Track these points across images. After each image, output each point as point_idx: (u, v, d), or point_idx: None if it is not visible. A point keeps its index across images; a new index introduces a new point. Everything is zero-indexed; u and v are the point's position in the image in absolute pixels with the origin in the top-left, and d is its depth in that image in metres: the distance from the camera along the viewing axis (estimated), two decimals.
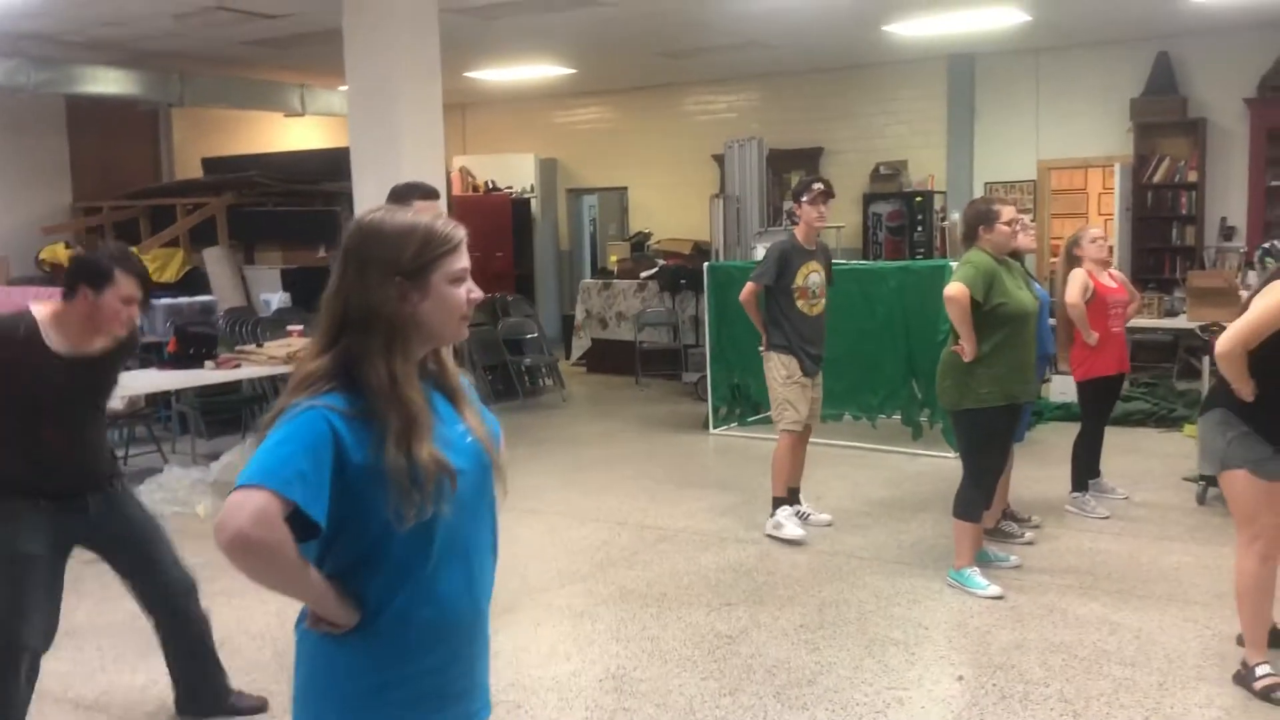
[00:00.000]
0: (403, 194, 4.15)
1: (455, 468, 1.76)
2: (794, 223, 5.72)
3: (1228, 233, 10.45)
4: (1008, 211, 4.87)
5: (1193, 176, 10.48)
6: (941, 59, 11.58)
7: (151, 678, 3.99)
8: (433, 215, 3.96)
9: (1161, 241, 10.72)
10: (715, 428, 8.42)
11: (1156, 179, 10.64)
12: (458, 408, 1.88)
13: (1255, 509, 3.60)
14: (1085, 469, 6.04)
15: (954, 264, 5.88)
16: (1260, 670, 3.67)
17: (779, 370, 5.60)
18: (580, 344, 11.84)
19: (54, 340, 3.25)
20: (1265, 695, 3.62)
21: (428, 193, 4.20)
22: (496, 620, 4.50)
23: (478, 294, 1.87)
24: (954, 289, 4.69)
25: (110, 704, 3.91)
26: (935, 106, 11.91)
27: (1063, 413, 8.28)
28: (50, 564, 3.35)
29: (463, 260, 1.85)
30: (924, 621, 4.47)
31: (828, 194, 5.60)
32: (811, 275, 5.61)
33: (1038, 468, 7.03)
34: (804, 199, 5.54)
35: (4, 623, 3.27)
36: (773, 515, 5.66)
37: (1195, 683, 3.82)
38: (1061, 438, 7.47)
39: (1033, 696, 3.75)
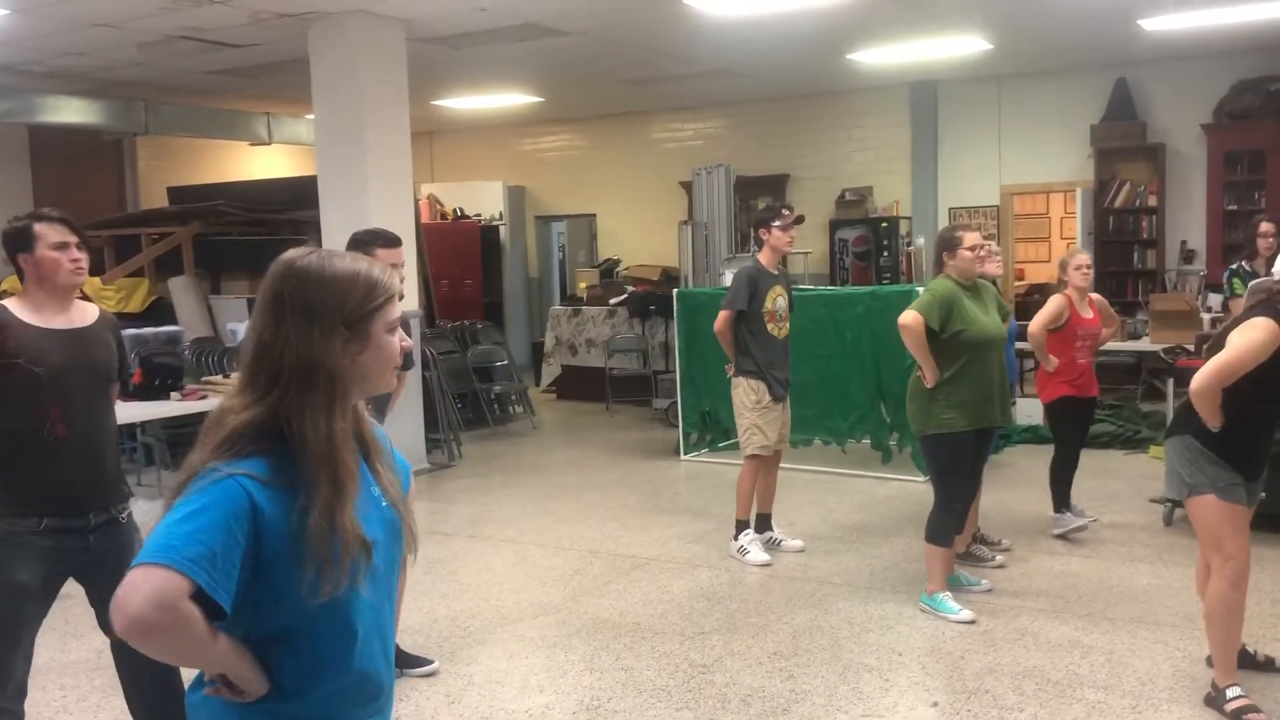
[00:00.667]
0: (365, 241, 4.10)
1: (370, 541, 1.69)
2: (758, 247, 5.74)
3: (1188, 256, 10.61)
4: (970, 237, 4.92)
5: (1153, 201, 10.64)
6: (904, 86, 11.72)
7: (114, 716, 3.91)
8: (388, 265, 3.93)
9: (1123, 265, 10.86)
10: (686, 454, 8.42)
11: (1118, 203, 10.80)
12: (371, 463, 1.79)
13: (1221, 533, 3.64)
14: (1063, 489, 6.05)
15: (920, 290, 5.92)
16: (1230, 693, 3.70)
17: (748, 395, 5.61)
18: (550, 371, 11.82)
19: (31, 318, 3.19)
20: (1236, 718, 3.65)
21: (390, 240, 4.14)
22: (469, 652, 4.50)
23: (408, 342, 1.82)
24: (907, 317, 4.75)
25: None
26: (899, 133, 12.05)
27: (1030, 435, 8.36)
28: (41, 600, 3.26)
29: (397, 308, 1.79)
30: (897, 647, 4.47)
31: (799, 219, 5.64)
32: (778, 299, 5.64)
33: (1006, 490, 7.09)
34: (775, 224, 5.57)
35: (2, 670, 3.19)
36: (735, 539, 5.66)
37: (1168, 705, 3.84)
38: (1031, 460, 7.56)
39: None
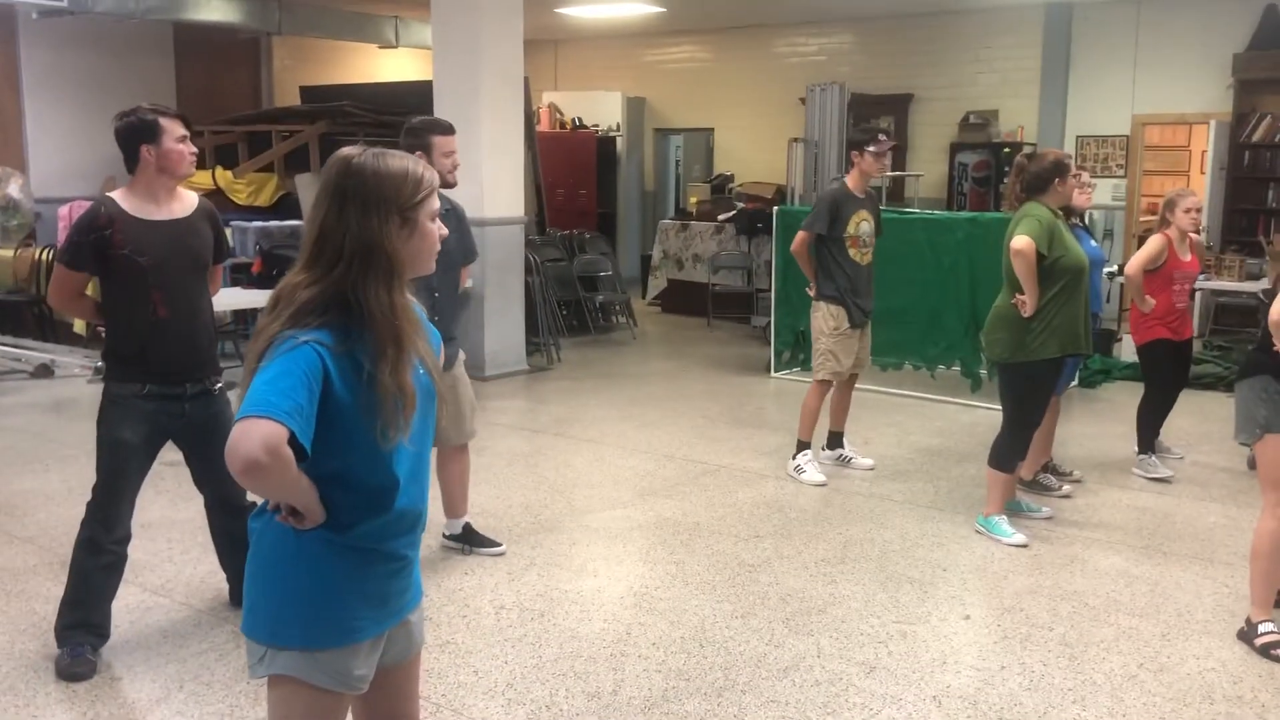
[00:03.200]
0: (422, 129, 4.31)
1: (416, 400, 1.97)
2: (849, 168, 5.74)
3: None
4: (1076, 169, 4.87)
5: None
6: (1039, 7, 11.31)
7: (212, 569, 4.31)
8: (447, 150, 4.11)
9: (1255, 203, 10.39)
10: (776, 371, 8.53)
11: (1256, 138, 10.29)
12: (416, 334, 2.03)
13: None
14: (1149, 431, 5.99)
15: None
16: (1263, 628, 3.72)
17: (827, 321, 5.67)
18: (656, 284, 11.99)
19: (137, 210, 3.52)
20: (1265, 652, 3.68)
21: (445, 128, 4.35)
22: (536, 537, 4.80)
23: (444, 230, 2.06)
24: (1022, 242, 4.65)
25: (174, 589, 4.27)
26: (1029, 56, 11.65)
27: (1131, 372, 8.19)
28: (143, 456, 3.65)
29: (437, 200, 2.04)
30: (944, 564, 4.59)
31: (894, 147, 5.61)
32: (863, 224, 5.65)
33: (1095, 424, 7.05)
34: (870, 149, 5.55)
35: (108, 518, 3.60)
36: (794, 458, 5.79)
37: (1199, 636, 3.88)
38: (1128, 397, 7.43)
39: (1034, 638, 3.86)
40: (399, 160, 1.98)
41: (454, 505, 4.70)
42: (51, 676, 3.52)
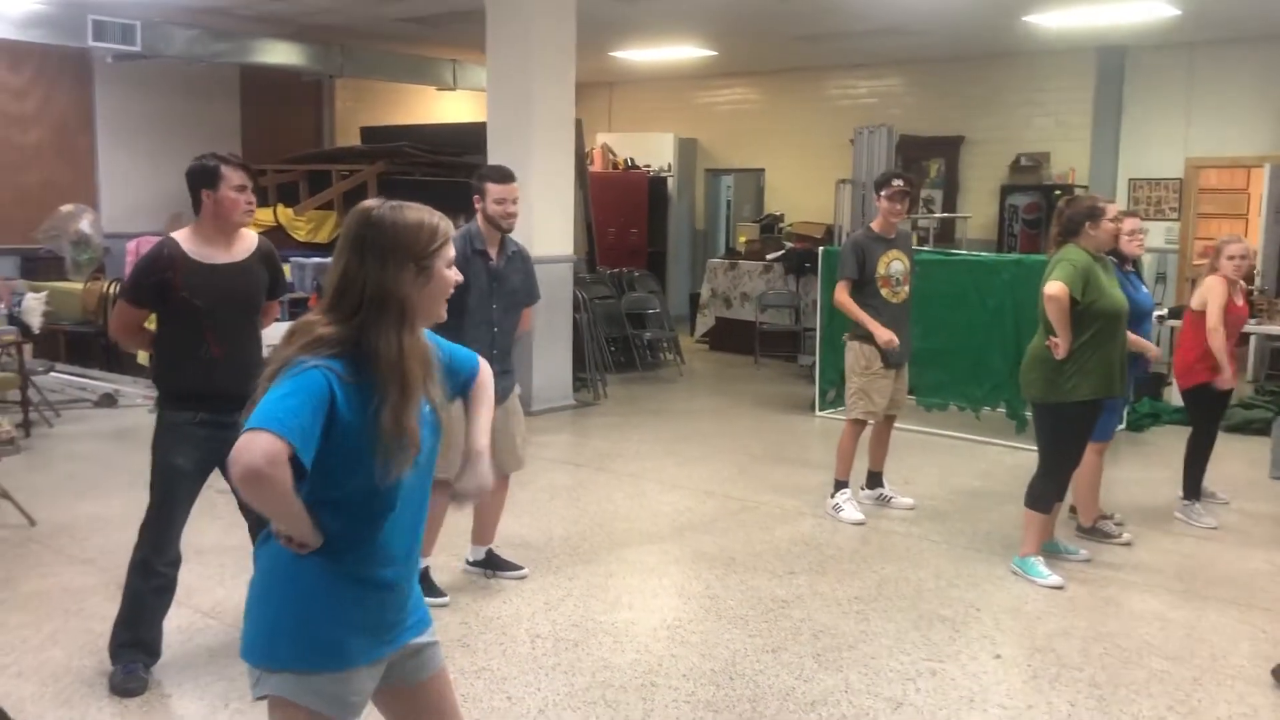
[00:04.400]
0: (481, 175, 4.49)
1: (419, 442, 2.08)
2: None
3: None
4: (1113, 209, 4.90)
5: None
6: (1090, 50, 11.34)
7: None
8: (499, 197, 4.28)
9: None
10: (821, 410, 8.58)
11: None
12: (425, 375, 2.14)
13: None
14: (1195, 477, 5.94)
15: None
16: None
17: (859, 360, 5.72)
18: (704, 321, 12.11)
19: (197, 253, 3.73)
20: None
21: (504, 176, 4.51)
22: (573, 568, 4.89)
23: (458, 276, 2.18)
24: (1055, 288, 4.69)
25: (224, 612, 4.42)
26: (1081, 99, 11.67)
27: (1180, 417, 8.11)
28: (193, 481, 3.82)
29: (452, 249, 2.17)
30: (977, 603, 4.61)
31: (905, 193, 5.67)
32: (894, 264, 5.72)
33: (1141, 469, 7.00)
34: (883, 193, 5.66)
35: (160, 541, 3.78)
36: (832, 497, 5.83)
37: (1231, 681, 3.87)
38: (1175, 441, 7.36)
39: (1063, 678, 3.87)
40: (415, 212, 2.11)
41: (483, 533, 4.83)
42: (105, 692, 3.68)
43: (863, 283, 5.65)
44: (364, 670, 2.12)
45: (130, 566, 3.80)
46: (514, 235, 4.72)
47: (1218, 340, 5.59)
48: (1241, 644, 4.18)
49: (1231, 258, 5.71)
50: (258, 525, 4.00)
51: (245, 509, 4.02)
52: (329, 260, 7.87)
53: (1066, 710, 3.64)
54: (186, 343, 3.75)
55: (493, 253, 4.52)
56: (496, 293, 4.51)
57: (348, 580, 2.09)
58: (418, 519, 2.21)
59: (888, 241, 5.72)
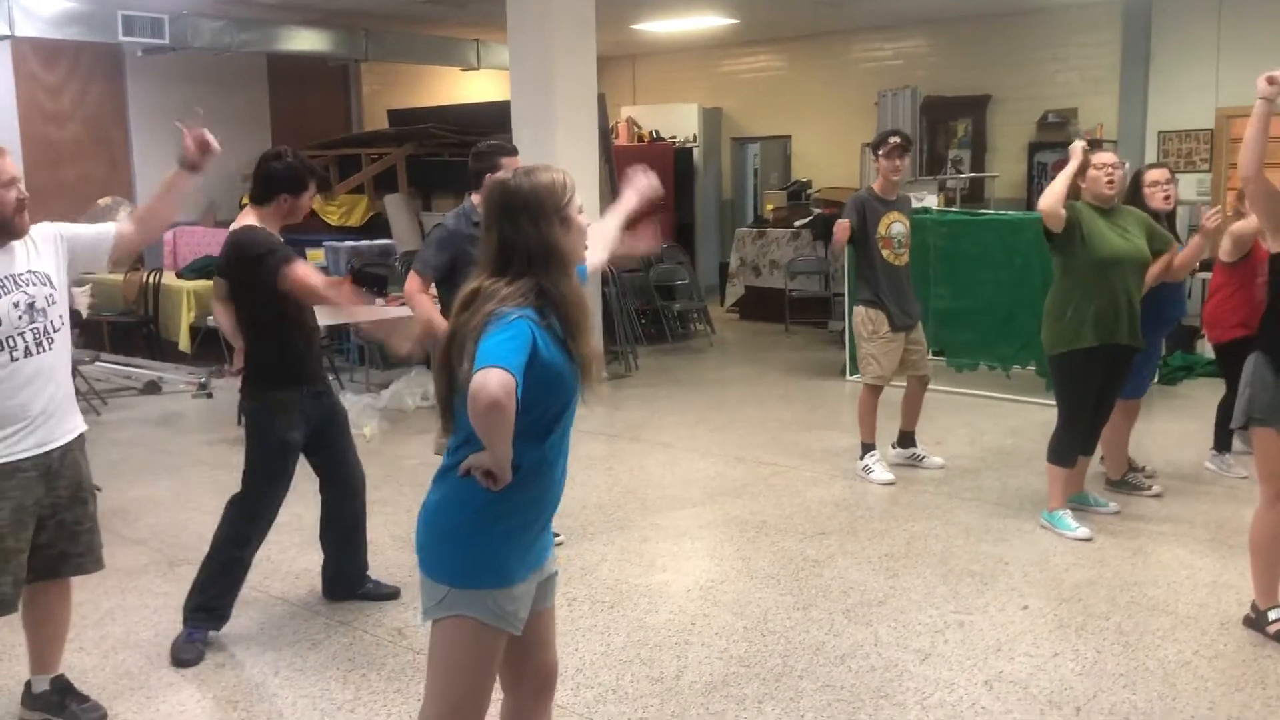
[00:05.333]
0: (490, 153, 4.61)
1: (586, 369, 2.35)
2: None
3: None
4: (1101, 157, 4.88)
5: None
6: (1117, 2, 11.20)
7: (306, 567, 4.63)
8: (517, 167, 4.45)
9: None
10: (851, 375, 8.62)
11: None
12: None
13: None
14: (1226, 432, 5.95)
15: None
16: (1274, 614, 3.79)
17: (865, 325, 5.78)
18: (734, 291, 12.15)
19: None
20: (1279, 638, 3.73)
21: (510, 151, 4.69)
22: (608, 535, 5.01)
23: (586, 219, 2.42)
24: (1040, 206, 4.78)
25: (271, 585, 4.58)
26: (1108, 52, 11.53)
27: (1213, 369, 8.09)
28: (297, 452, 4.05)
29: (580, 196, 2.41)
30: (1005, 557, 4.68)
31: (903, 148, 5.70)
32: (894, 225, 5.76)
33: (1174, 422, 7.01)
34: (880, 152, 5.70)
35: (264, 514, 4.01)
36: (861, 459, 5.90)
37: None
38: (1209, 394, 7.36)
39: (1089, 627, 3.94)
40: (546, 173, 2.37)
41: None
42: (163, 663, 3.84)
43: (862, 243, 5.69)
44: (524, 585, 2.38)
45: (224, 540, 3.99)
46: None
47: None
48: None
49: None
50: (340, 483, 4.22)
51: (324, 468, 4.19)
52: (362, 244, 8.13)
53: (1093, 657, 3.71)
54: (300, 315, 3.96)
55: None
56: None
57: (525, 505, 2.35)
58: (567, 451, 2.46)
59: (889, 203, 5.77)
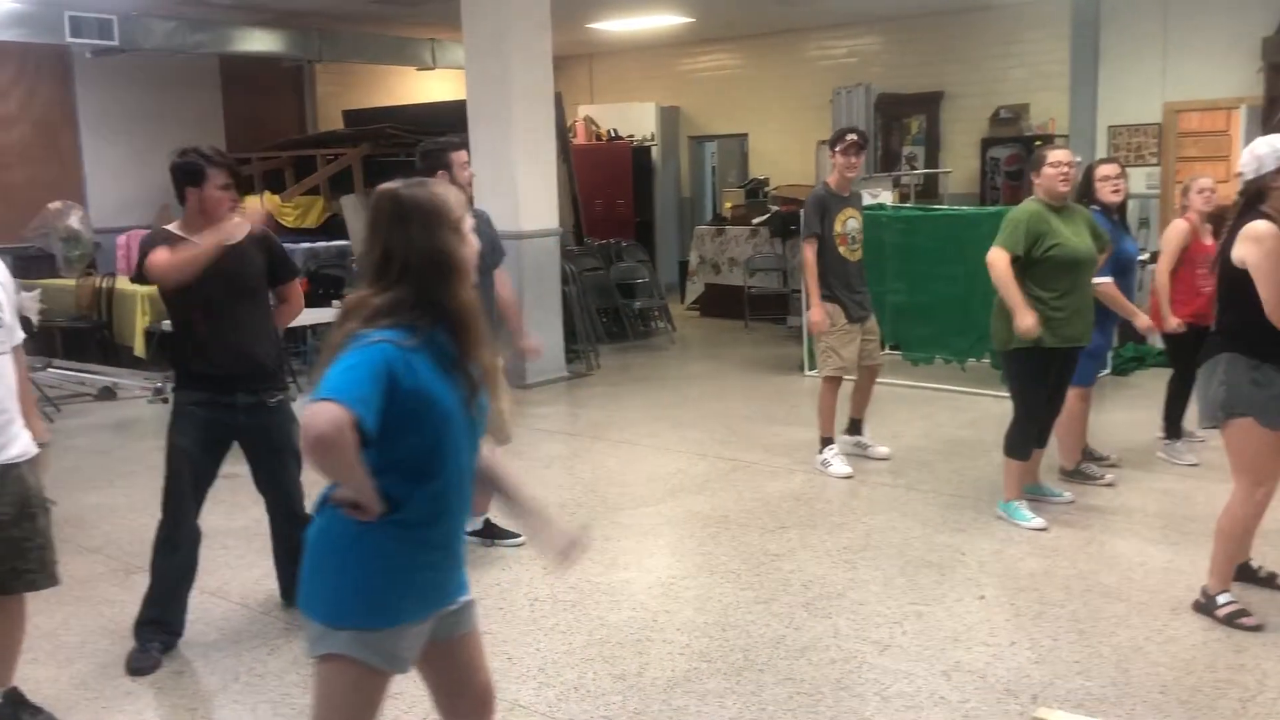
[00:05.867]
0: (439, 149, 4.61)
1: (478, 384, 2.25)
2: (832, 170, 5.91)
3: None
4: (1054, 155, 4.95)
5: None
6: None
7: (265, 572, 4.59)
8: (464, 163, 4.44)
9: None
10: (810, 370, 8.67)
11: None
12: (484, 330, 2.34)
13: (1258, 457, 3.76)
14: (1175, 417, 6.07)
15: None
16: (1223, 598, 3.88)
17: (825, 321, 5.82)
18: (694, 289, 12.19)
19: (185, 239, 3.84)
20: (1230, 621, 3.83)
21: (458, 145, 4.69)
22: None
23: (478, 243, 2.34)
24: (992, 254, 4.80)
25: (230, 592, 4.54)
26: (1058, 48, 11.68)
27: (1164, 360, 8.23)
28: (196, 457, 3.92)
29: (471, 218, 2.33)
30: (962, 548, 4.73)
31: (860, 145, 5.77)
32: (849, 221, 5.82)
33: (1127, 412, 7.12)
34: (837, 148, 5.75)
35: (172, 518, 3.94)
36: (820, 453, 5.96)
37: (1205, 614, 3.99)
38: (1160, 384, 7.48)
39: (1045, 615, 4.01)
40: (437, 186, 2.29)
41: (477, 504, 4.95)
42: (120, 672, 3.80)
43: (821, 241, 5.74)
44: (416, 626, 2.26)
45: (153, 546, 3.94)
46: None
47: (1160, 287, 5.72)
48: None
49: (1201, 191, 5.81)
50: (279, 508, 4.13)
51: (263, 490, 4.15)
52: (319, 245, 8.05)
53: (1049, 644, 3.77)
54: (180, 324, 3.91)
55: None
56: None
57: (406, 542, 2.21)
58: (468, 484, 2.34)
59: (844, 199, 5.82)
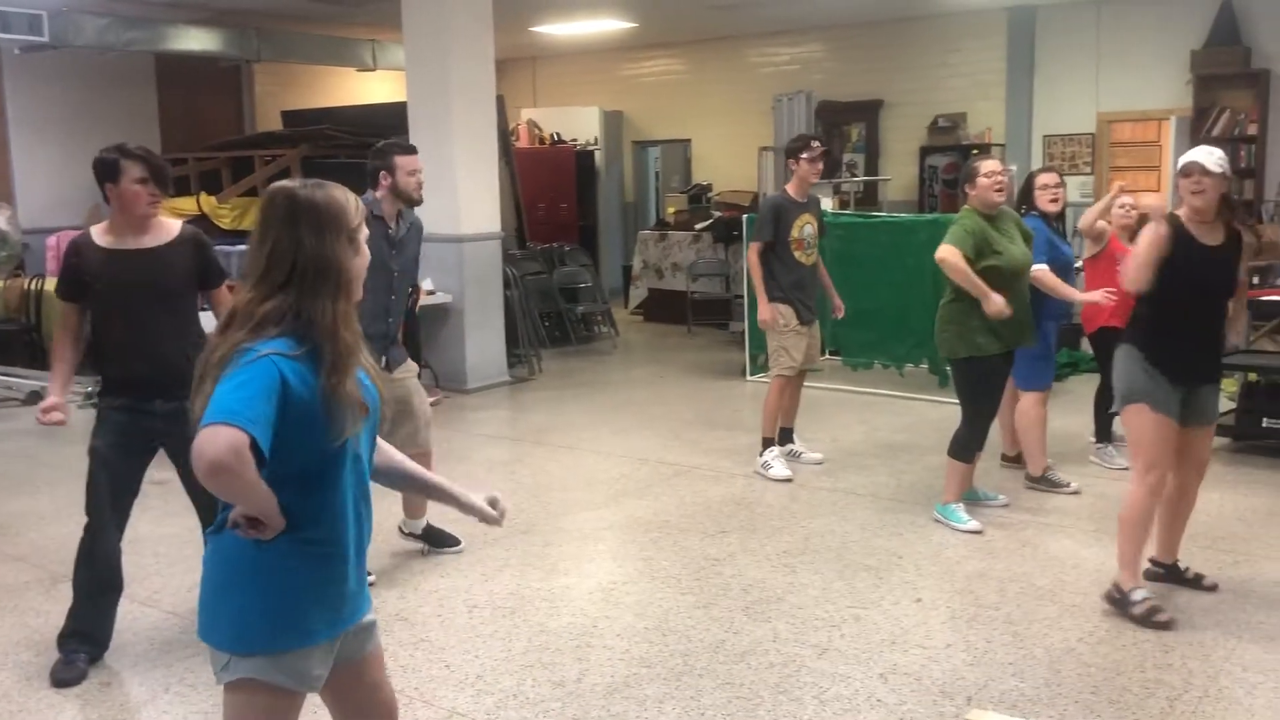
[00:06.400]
0: (384, 151, 4.56)
1: (365, 403, 2.15)
2: (790, 176, 5.97)
3: None
4: (987, 165, 5.05)
5: (1253, 130, 10.34)
6: (1002, 10, 11.55)
7: (197, 580, 4.46)
8: (411, 169, 4.37)
9: None
10: (752, 375, 8.73)
11: (1216, 132, 10.51)
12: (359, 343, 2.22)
13: (1150, 441, 3.91)
14: (1105, 420, 6.19)
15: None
16: (1136, 595, 3.97)
17: (777, 320, 5.89)
18: (637, 293, 12.20)
19: (106, 241, 3.76)
20: (1145, 620, 3.92)
21: (407, 149, 4.62)
22: (510, 540, 4.98)
23: (369, 256, 2.26)
24: (944, 251, 4.87)
25: (161, 600, 4.45)
26: (995, 59, 11.88)
27: (1096, 365, 8.40)
28: (113, 463, 3.82)
29: (366, 228, 2.24)
30: (900, 551, 4.78)
31: (826, 153, 5.88)
32: (805, 227, 5.88)
33: (1060, 417, 7.20)
34: (804, 156, 5.81)
35: (93, 524, 3.84)
36: (761, 455, 5.99)
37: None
38: (1092, 389, 7.63)
39: (980, 617, 4.06)
40: (336, 190, 2.19)
41: (414, 508, 4.91)
42: (45, 684, 3.70)
43: (777, 245, 5.81)
44: (325, 645, 2.19)
45: (76, 556, 3.85)
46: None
47: (1089, 231, 5.88)
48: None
49: (1122, 206, 5.94)
50: (208, 511, 4.03)
51: (195, 496, 4.05)
52: None
53: (984, 647, 3.82)
54: (100, 327, 3.81)
55: (392, 223, 4.62)
56: (395, 259, 4.61)
57: (309, 557, 2.14)
58: (367, 492, 2.27)
59: (801, 205, 5.89)
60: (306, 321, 2.09)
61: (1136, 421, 3.95)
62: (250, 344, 2.05)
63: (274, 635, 2.12)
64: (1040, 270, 5.42)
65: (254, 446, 1.96)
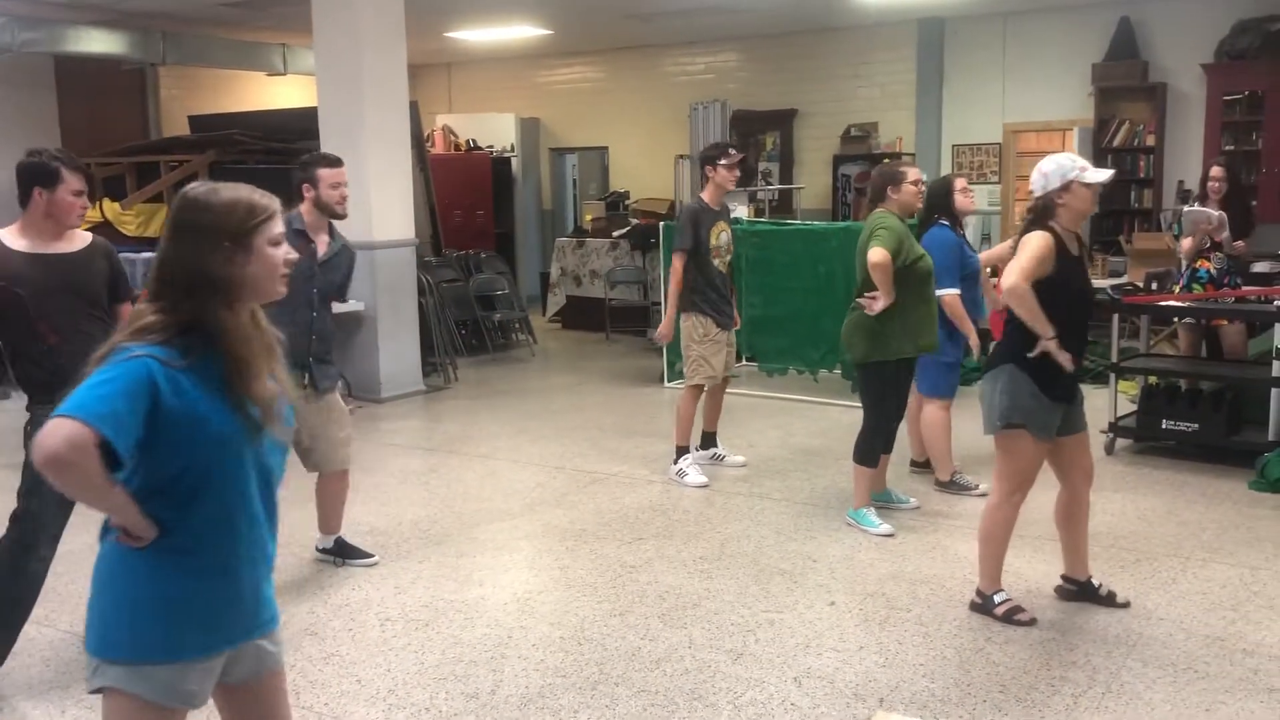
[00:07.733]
0: (309, 163, 4.48)
1: (255, 416, 2.10)
2: (704, 184, 5.99)
3: (1184, 196, 10.64)
4: (913, 173, 5.14)
5: (1151, 140, 10.69)
6: (912, 23, 11.79)
7: None
8: (334, 182, 4.31)
9: (1121, 204, 10.95)
10: (670, 382, 8.75)
11: (1116, 143, 10.86)
12: (264, 356, 2.16)
13: (1025, 468, 3.97)
14: None
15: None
16: (999, 597, 4.08)
17: (696, 329, 5.91)
18: (555, 301, 12.16)
19: (19, 244, 3.64)
20: (1008, 619, 4.03)
21: (331, 161, 4.53)
22: (424, 551, 4.91)
23: (292, 255, 2.19)
24: (878, 255, 4.89)
25: (58, 619, 4.30)
26: (905, 70, 12.13)
27: None
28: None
29: (279, 226, 2.16)
30: (814, 555, 4.83)
31: (744, 160, 5.92)
32: (722, 234, 5.92)
33: (971, 421, 7.31)
34: (721, 163, 5.83)
35: (20, 515, 3.72)
36: (675, 463, 6.01)
37: (1042, 610, 4.17)
38: None
39: (892, 620, 4.11)
40: (231, 191, 2.13)
41: (327, 523, 4.83)
42: None
43: (695, 254, 5.82)
44: (199, 663, 2.12)
45: None
46: (352, 220, 4.73)
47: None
48: (1053, 576, 4.49)
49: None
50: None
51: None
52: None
53: (895, 649, 3.87)
54: (21, 335, 3.69)
55: (318, 239, 4.52)
56: (318, 277, 4.50)
57: (182, 570, 2.08)
58: (260, 512, 2.18)
59: (715, 213, 5.91)
60: (202, 332, 2.05)
61: (1016, 447, 3.93)
62: (127, 344, 2.00)
63: (135, 646, 2.07)
64: (952, 296, 5.47)
65: (107, 446, 1.90)
